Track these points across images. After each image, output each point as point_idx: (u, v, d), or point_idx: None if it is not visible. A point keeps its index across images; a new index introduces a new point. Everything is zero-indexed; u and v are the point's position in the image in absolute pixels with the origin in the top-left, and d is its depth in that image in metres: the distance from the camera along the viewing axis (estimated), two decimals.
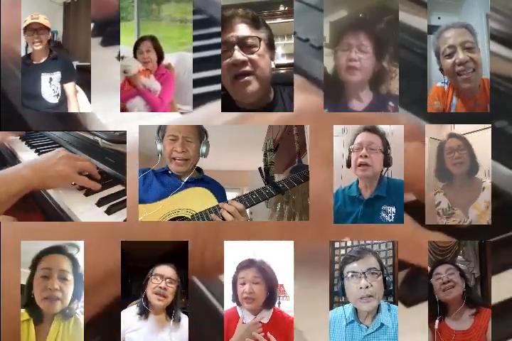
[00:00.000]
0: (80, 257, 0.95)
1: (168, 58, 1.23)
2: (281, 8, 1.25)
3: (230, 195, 1.15)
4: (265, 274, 0.95)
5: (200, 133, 1.18)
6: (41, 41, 1.18)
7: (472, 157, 1.05)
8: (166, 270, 0.99)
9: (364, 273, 0.92)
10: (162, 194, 1.12)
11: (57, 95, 1.19)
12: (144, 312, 0.97)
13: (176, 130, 1.16)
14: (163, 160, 1.17)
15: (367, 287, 0.92)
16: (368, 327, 0.93)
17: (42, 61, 1.19)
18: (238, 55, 1.06)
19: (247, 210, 1.07)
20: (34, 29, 1.17)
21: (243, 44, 1.06)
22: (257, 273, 0.95)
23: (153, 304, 0.97)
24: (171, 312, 0.98)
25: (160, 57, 1.22)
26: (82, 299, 0.95)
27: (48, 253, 0.94)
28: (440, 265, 0.97)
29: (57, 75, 1.19)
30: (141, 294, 0.98)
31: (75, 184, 1.19)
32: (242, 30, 1.07)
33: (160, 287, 0.98)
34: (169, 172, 1.17)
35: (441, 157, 1.06)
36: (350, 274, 0.93)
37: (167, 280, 0.98)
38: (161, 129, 1.17)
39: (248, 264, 0.96)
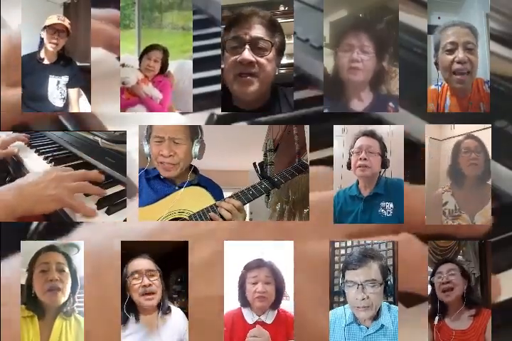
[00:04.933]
0: (79, 257, 0.95)
1: (169, 66, 1.23)
2: (281, 8, 1.24)
3: (227, 194, 1.14)
4: (275, 275, 0.95)
5: (192, 131, 1.11)
6: (57, 44, 1.18)
7: (487, 161, 1.05)
8: (141, 263, 0.94)
9: (362, 284, 0.92)
10: (153, 199, 1.09)
11: (64, 99, 1.19)
12: (128, 319, 0.93)
13: (161, 130, 1.09)
14: (152, 162, 1.12)
15: (363, 299, 0.92)
16: (367, 328, 0.93)
17: (52, 62, 1.19)
18: (248, 54, 1.05)
19: (247, 210, 1.07)
20: (56, 30, 1.17)
21: (255, 45, 1.06)
22: (269, 273, 0.95)
23: (143, 305, 0.94)
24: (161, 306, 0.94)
25: (163, 69, 1.22)
26: (79, 294, 0.95)
27: (43, 252, 0.95)
28: (443, 264, 0.97)
29: (64, 79, 1.19)
30: (122, 300, 0.92)
31: None
32: (258, 30, 1.07)
33: (144, 285, 0.94)
34: (161, 177, 1.12)
35: (456, 156, 1.06)
36: (348, 283, 0.93)
37: (147, 273, 0.94)
38: (148, 128, 1.11)
39: (259, 264, 0.96)
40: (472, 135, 1.06)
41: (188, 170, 1.13)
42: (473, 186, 1.06)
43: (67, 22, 1.17)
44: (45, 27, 1.17)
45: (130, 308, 0.94)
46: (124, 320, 0.94)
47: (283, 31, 1.09)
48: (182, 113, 1.23)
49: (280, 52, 1.09)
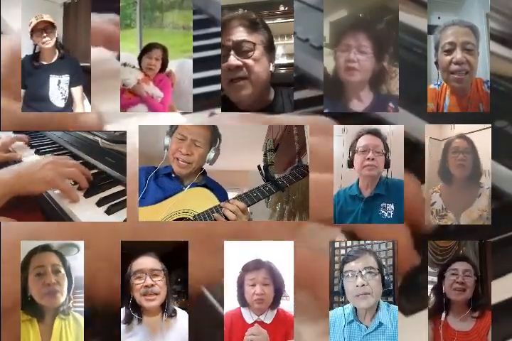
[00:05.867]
0: (79, 257, 0.95)
1: (170, 65, 1.23)
2: (281, 8, 1.25)
3: (231, 195, 1.15)
4: (273, 275, 0.95)
5: (213, 138, 1.15)
6: (51, 38, 1.17)
7: (476, 162, 1.05)
8: (145, 262, 0.92)
9: (360, 271, 0.92)
10: (160, 198, 1.10)
11: (65, 99, 1.18)
12: (132, 319, 0.91)
13: (186, 130, 1.13)
14: (167, 157, 1.15)
15: (363, 285, 0.92)
16: (367, 327, 0.93)
17: (52, 61, 1.18)
18: (232, 59, 1.07)
19: (248, 209, 1.07)
20: (41, 29, 1.16)
21: (239, 48, 1.07)
22: (267, 274, 0.95)
23: (145, 306, 0.92)
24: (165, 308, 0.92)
25: (163, 67, 1.23)
26: (75, 293, 0.94)
27: (35, 253, 0.93)
28: (459, 261, 0.96)
29: (65, 78, 1.18)
30: (125, 300, 0.90)
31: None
32: (239, 33, 1.08)
33: (146, 286, 0.91)
34: (172, 175, 1.14)
35: (446, 156, 1.06)
36: (348, 273, 0.93)
37: (152, 272, 0.92)
38: (173, 125, 1.15)
39: (257, 266, 0.95)
40: (463, 135, 1.05)
41: (198, 172, 1.15)
42: (461, 186, 1.05)
43: (45, 17, 1.16)
44: (31, 34, 1.16)
45: (133, 308, 0.92)
46: (128, 320, 0.93)
47: (267, 26, 1.10)
48: (182, 113, 1.24)
49: (269, 48, 1.09)
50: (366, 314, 0.93)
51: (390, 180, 1.05)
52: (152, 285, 0.92)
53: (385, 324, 0.92)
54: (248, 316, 0.95)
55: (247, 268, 0.95)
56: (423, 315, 0.94)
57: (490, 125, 1.05)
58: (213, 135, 1.15)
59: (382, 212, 1.03)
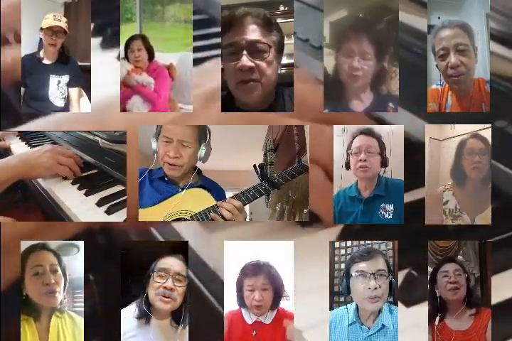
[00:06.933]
0: (79, 257, 0.95)
1: (171, 58, 1.23)
2: (281, 8, 1.24)
3: (230, 195, 1.15)
4: (272, 279, 0.95)
5: (201, 134, 1.12)
6: (56, 45, 1.17)
7: (490, 163, 1.05)
8: (172, 262, 0.90)
9: (374, 273, 0.92)
10: (156, 200, 1.09)
11: (64, 98, 1.19)
12: (144, 316, 0.89)
13: (171, 131, 1.10)
14: (157, 162, 1.13)
15: (375, 288, 0.92)
16: (369, 329, 0.93)
17: (52, 62, 1.19)
18: (246, 60, 1.02)
19: (247, 210, 1.07)
20: (54, 31, 1.17)
21: (253, 49, 1.03)
22: (265, 279, 0.95)
23: (156, 307, 0.90)
24: (178, 316, 0.89)
25: (151, 56, 1.22)
26: (75, 293, 0.94)
27: (32, 251, 0.94)
28: (448, 263, 0.97)
29: (65, 78, 1.19)
30: (141, 294, 0.88)
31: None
32: (254, 33, 1.04)
33: (165, 287, 0.89)
34: (165, 178, 1.13)
35: (460, 156, 1.05)
36: (357, 273, 0.92)
37: (175, 276, 0.89)
38: (158, 127, 1.12)
39: (256, 271, 0.95)
40: (477, 134, 1.05)
41: (192, 172, 1.14)
42: (476, 188, 1.05)
43: (63, 21, 1.17)
44: (42, 28, 1.17)
45: (145, 306, 0.90)
46: (140, 316, 0.90)
47: (280, 28, 1.07)
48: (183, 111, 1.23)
49: (280, 50, 1.08)
50: (370, 316, 0.93)
51: (389, 180, 1.05)
52: (171, 289, 0.89)
53: (387, 326, 0.92)
54: (248, 316, 0.95)
55: (245, 273, 0.95)
56: (423, 315, 0.94)
57: (490, 125, 1.05)
58: (201, 132, 1.11)
59: (382, 212, 1.03)
